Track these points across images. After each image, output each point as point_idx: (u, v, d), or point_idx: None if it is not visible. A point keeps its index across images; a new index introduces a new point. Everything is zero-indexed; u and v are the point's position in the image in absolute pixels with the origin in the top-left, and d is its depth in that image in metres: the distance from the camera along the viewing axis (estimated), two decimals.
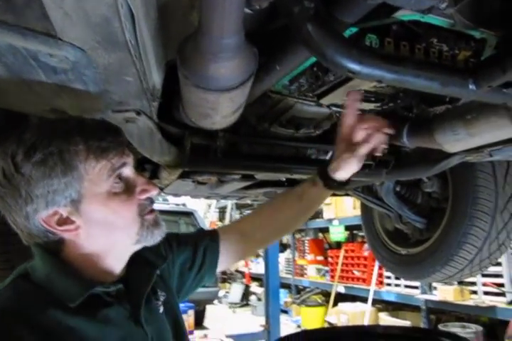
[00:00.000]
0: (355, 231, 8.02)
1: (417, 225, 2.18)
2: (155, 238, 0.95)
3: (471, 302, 4.23)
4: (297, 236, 8.79)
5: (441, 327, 4.17)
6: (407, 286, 5.22)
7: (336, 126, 1.75)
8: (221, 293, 9.19)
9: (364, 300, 5.78)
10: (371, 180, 1.99)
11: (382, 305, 5.85)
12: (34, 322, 0.79)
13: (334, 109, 1.46)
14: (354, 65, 0.82)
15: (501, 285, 4.02)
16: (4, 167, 0.84)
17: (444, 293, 4.47)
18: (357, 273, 6.23)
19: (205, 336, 4.73)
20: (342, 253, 6.62)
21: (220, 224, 10.08)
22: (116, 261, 0.96)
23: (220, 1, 0.67)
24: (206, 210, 10.80)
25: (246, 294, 9.31)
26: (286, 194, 1.40)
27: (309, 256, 7.73)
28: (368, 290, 5.67)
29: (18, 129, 0.86)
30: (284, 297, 7.68)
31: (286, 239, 8.77)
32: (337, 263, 6.67)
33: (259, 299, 8.48)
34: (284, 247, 8.93)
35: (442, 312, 4.93)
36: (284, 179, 2.25)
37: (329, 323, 6.10)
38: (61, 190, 0.84)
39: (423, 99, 1.35)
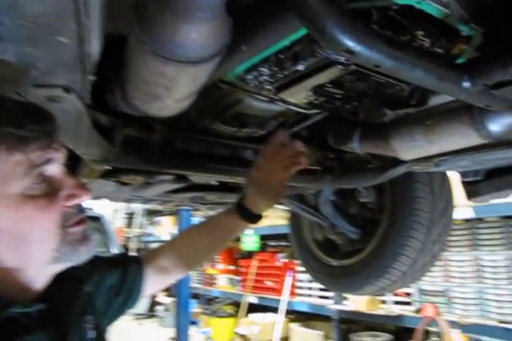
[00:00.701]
0: (267, 241, 8.01)
1: (351, 236, 2.12)
2: (80, 256, 0.76)
3: (381, 312, 4.34)
4: None
5: (353, 336, 4.21)
6: (319, 297, 5.25)
7: (282, 126, 1.64)
8: None
9: (276, 310, 5.72)
10: (315, 187, 1.89)
11: (294, 315, 5.83)
12: None
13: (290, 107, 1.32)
14: (354, 44, 0.69)
15: (409, 294, 4.16)
16: None
17: (356, 303, 4.54)
18: (269, 284, 6.17)
19: None
20: (254, 262, 6.53)
21: (127, 230, 9.54)
22: (33, 278, 0.75)
23: None
24: (113, 216, 10.19)
25: (152, 304, 8.87)
26: (203, 223, 1.37)
27: (220, 266, 7.55)
28: (280, 301, 5.63)
29: None
30: (193, 307, 7.40)
31: None
32: (249, 273, 6.57)
33: (166, 310, 8.11)
34: None
35: (353, 322, 5.01)
36: (217, 183, 2.07)
37: (239, 335, 5.95)
38: None
39: (385, 102, 1.26)
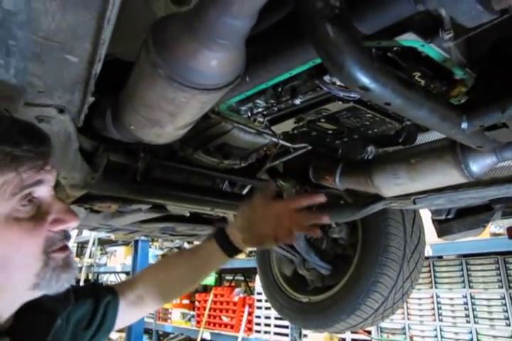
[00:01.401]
0: (223, 275, 7.85)
1: (322, 272, 2.10)
2: (61, 284, 0.71)
3: None
4: None
5: None
6: (276, 333, 5.13)
7: (264, 159, 1.64)
8: None
9: None
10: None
11: None
12: None
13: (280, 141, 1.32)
14: (370, 81, 0.70)
15: (369, 332, 4.15)
16: None
17: (314, 340, 4.47)
18: (225, 319, 5.99)
19: None
20: (211, 297, 6.35)
21: (77, 259, 9.10)
22: (3, 307, 0.70)
23: None
24: None
25: None
26: (182, 251, 1.32)
27: (174, 300, 7.29)
28: (236, 337, 5.45)
29: None
30: None
31: None
32: (204, 308, 6.36)
33: None
34: None
35: None
36: (188, 214, 2.03)
37: None
38: None
39: (373, 140, 1.29)
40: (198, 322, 6.35)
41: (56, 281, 0.70)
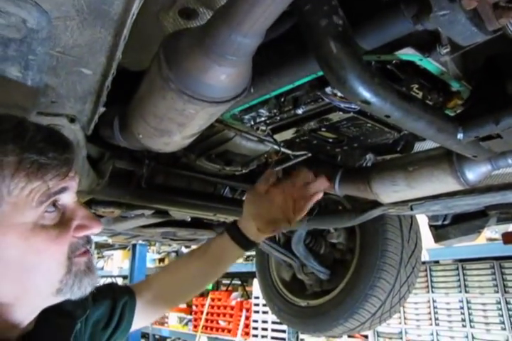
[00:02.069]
0: (220, 279, 7.85)
1: (321, 276, 2.13)
2: (83, 289, 0.72)
3: None
4: None
5: None
6: (273, 338, 5.15)
7: (265, 166, 1.68)
8: None
9: None
10: (291, 226, 1.91)
11: None
12: None
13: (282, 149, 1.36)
14: (371, 95, 0.74)
15: (366, 336, 4.17)
16: None
17: None
18: (222, 323, 6.00)
19: None
20: (208, 301, 6.36)
21: None
22: (26, 314, 0.72)
23: None
24: None
25: None
26: (194, 249, 1.30)
27: None
28: None
29: None
30: None
31: None
32: (202, 312, 6.37)
33: None
34: None
35: None
36: (189, 219, 2.06)
37: None
38: None
39: (372, 148, 1.32)
40: (195, 327, 6.36)
41: (79, 287, 0.72)
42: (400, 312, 3.92)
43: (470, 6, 0.60)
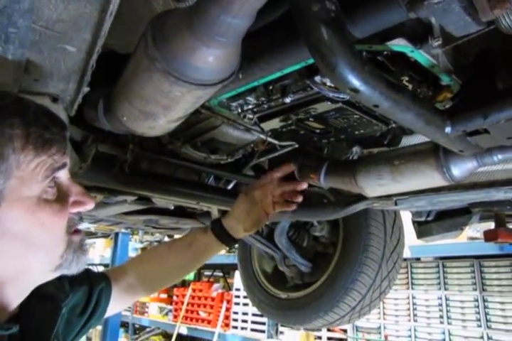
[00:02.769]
0: (202, 270, 7.86)
1: (302, 269, 2.13)
2: (80, 265, 0.74)
3: None
4: None
5: None
6: (253, 330, 5.17)
7: (250, 156, 1.66)
8: None
9: None
10: (274, 218, 1.90)
11: None
12: None
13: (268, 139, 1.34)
14: (360, 84, 0.73)
15: (345, 330, 4.21)
16: None
17: (291, 337, 4.52)
18: (202, 314, 6.01)
19: None
20: (189, 292, 6.35)
21: None
22: (18, 293, 0.72)
23: None
24: None
25: None
26: (174, 241, 1.32)
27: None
28: (213, 333, 5.48)
29: None
30: (120, 337, 7.02)
31: None
32: (182, 303, 6.36)
33: (88, 338, 7.63)
34: None
35: None
36: (172, 207, 2.04)
37: None
38: None
39: (359, 140, 1.32)
40: (175, 317, 6.37)
41: (77, 263, 0.73)
42: (379, 307, 3.96)
43: None
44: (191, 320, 6.12)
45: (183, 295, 6.42)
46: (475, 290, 3.53)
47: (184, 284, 7.27)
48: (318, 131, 1.24)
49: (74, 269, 0.73)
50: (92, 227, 7.27)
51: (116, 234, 5.98)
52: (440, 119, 0.88)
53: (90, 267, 1.22)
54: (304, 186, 1.27)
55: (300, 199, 1.26)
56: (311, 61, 0.90)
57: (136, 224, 2.24)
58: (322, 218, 1.82)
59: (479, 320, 3.44)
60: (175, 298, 6.68)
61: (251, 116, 1.20)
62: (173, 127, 1.01)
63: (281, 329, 4.84)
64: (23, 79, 0.83)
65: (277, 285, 2.30)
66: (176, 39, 0.68)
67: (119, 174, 1.31)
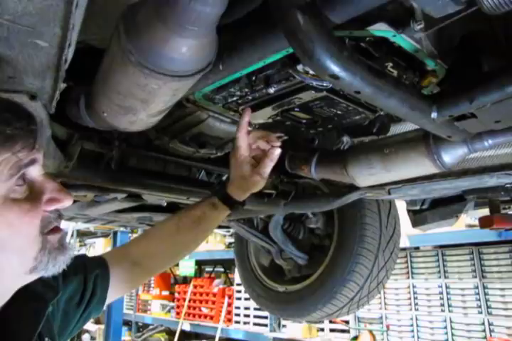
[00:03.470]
0: (203, 266, 7.87)
1: (299, 261, 2.13)
2: (58, 266, 0.70)
3: (318, 340, 4.35)
4: None
5: None
6: (256, 324, 5.18)
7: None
8: None
9: (210, 338, 5.57)
10: (267, 211, 1.89)
11: None
12: None
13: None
14: (339, 70, 0.71)
15: (347, 322, 4.22)
16: None
17: (293, 330, 4.53)
18: (205, 310, 6.02)
19: None
20: (190, 288, 6.36)
21: None
22: None
23: None
24: None
25: (78, 332, 8.34)
26: (180, 218, 1.22)
27: (154, 291, 7.29)
28: (216, 328, 5.49)
29: None
30: (123, 335, 7.03)
31: None
32: (184, 299, 6.38)
33: (92, 338, 7.65)
34: None
35: None
36: (165, 203, 2.02)
37: None
38: None
39: (348, 130, 1.30)
40: (178, 314, 6.38)
41: (53, 264, 0.69)
42: (380, 297, 3.96)
43: None
44: (194, 316, 6.13)
45: (185, 292, 6.43)
46: (475, 277, 3.54)
47: (186, 281, 7.28)
48: (304, 121, 1.22)
49: (51, 270, 0.69)
50: (92, 227, 7.28)
51: (115, 233, 5.97)
52: (425, 104, 0.86)
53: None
54: (278, 142, 1.17)
55: (278, 143, 1.16)
56: (292, 49, 0.89)
57: (130, 222, 2.23)
58: (316, 210, 1.80)
59: (480, 306, 3.44)
60: (177, 294, 6.69)
61: (236, 108, 1.19)
62: (155, 121, 0.99)
63: (283, 322, 4.85)
64: None
65: (275, 279, 2.30)
66: (148, 30, 0.66)
67: (106, 171, 1.29)
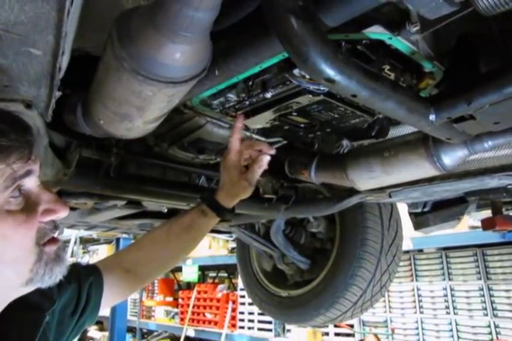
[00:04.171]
0: (206, 272, 7.85)
1: (301, 266, 2.11)
2: (54, 277, 0.69)
3: None
4: None
5: None
6: (260, 329, 5.16)
7: None
8: None
9: None
10: (268, 216, 1.88)
11: None
12: None
13: (253, 135, 1.32)
14: (335, 73, 0.70)
15: (352, 326, 4.19)
16: None
17: (298, 335, 4.50)
18: (209, 316, 6.00)
19: None
20: (194, 294, 6.34)
21: None
22: None
23: None
24: None
25: (81, 340, 8.31)
26: (170, 225, 1.23)
27: (158, 297, 7.26)
28: (220, 334, 5.47)
29: None
30: None
31: None
32: (188, 305, 6.35)
33: None
34: None
35: None
36: (166, 210, 2.02)
37: None
38: None
39: (347, 133, 1.30)
40: (182, 320, 6.35)
41: (50, 276, 0.69)
42: (384, 301, 3.94)
43: None
44: (198, 322, 6.11)
45: (189, 298, 6.40)
46: (479, 279, 3.51)
47: (189, 286, 7.26)
48: (303, 125, 1.21)
49: (48, 282, 0.69)
50: (94, 234, 7.27)
51: (118, 240, 5.97)
52: (423, 107, 0.86)
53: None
54: (272, 151, 1.17)
55: (271, 151, 1.16)
56: (287, 54, 0.88)
57: (131, 229, 2.22)
58: (317, 214, 1.80)
59: (485, 308, 3.42)
60: (180, 300, 6.67)
61: (233, 113, 1.18)
62: (152, 128, 0.98)
63: (288, 327, 4.82)
64: None
65: (277, 284, 2.29)
66: (141, 36, 0.66)
67: (106, 179, 1.28)
